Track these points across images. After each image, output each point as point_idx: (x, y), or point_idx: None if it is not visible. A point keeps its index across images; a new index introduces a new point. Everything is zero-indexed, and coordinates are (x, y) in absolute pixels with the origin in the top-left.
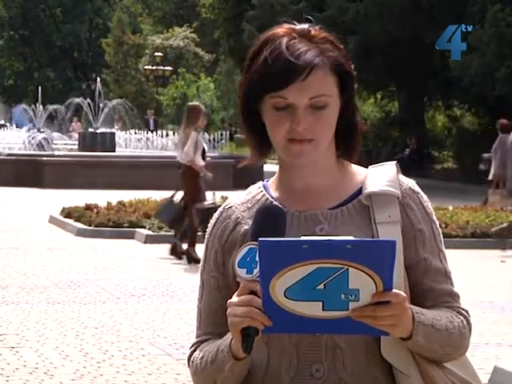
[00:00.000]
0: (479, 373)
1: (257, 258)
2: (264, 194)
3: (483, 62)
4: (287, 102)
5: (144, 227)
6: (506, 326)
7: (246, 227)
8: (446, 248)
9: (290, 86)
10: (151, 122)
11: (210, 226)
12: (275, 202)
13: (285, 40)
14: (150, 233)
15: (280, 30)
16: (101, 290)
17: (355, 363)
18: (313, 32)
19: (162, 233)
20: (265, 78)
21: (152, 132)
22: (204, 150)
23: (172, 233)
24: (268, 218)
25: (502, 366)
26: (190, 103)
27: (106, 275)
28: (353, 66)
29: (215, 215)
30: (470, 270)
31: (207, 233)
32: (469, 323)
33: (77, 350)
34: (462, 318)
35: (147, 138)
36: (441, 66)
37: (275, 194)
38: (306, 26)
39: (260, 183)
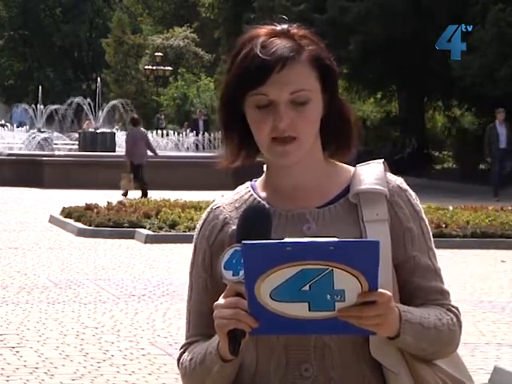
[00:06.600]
0: (479, 373)
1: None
2: (252, 194)
3: (484, 62)
4: (268, 98)
5: (144, 227)
6: (506, 326)
7: (234, 227)
8: (446, 248)
9: (266, 81)
10: (201, 123)
11: (198, 226)
12: (262, 202)
13: (261, 39)
14: (150, 233)
15: (260, 30)
16: (101, 289)
17: (344, 362)
18: (292, 31)
19: (162, 233)
20: (242, 77)
21: (202, 135)
22: None
23: (171, 233)
24: (253, 218)
25: (502, 365)
26: None
27: (106, 275)
28: (334, 61)
29: (203, 216)
30: (470, 270)
31: (195, 233)
32: (459, 320)
33: (77, 350)
34: (451, 315)
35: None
36: (441, 66)
37: (263, 194)
38: (285, 25)
39: (248, 183)
